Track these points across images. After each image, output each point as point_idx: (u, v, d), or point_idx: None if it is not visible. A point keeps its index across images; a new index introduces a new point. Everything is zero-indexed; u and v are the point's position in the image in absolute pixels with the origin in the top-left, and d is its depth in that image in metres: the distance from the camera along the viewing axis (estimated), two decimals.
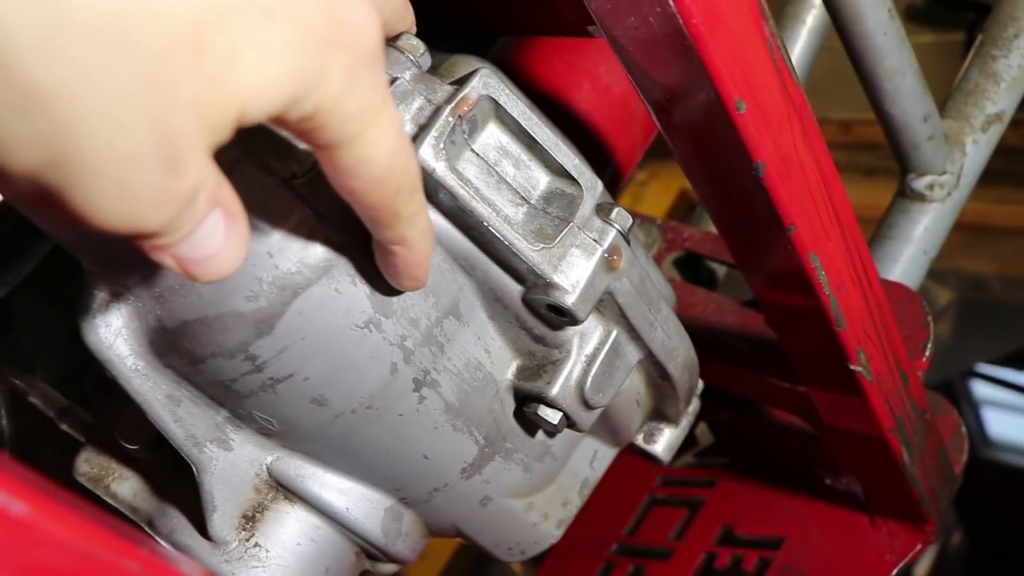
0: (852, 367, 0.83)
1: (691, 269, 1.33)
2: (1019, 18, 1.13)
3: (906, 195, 1.14)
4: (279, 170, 0.60)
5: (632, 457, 0.92)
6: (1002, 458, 4.86)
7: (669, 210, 3.46)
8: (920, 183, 1.13)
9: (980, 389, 4.72)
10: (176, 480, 0.79)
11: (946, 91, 1.20)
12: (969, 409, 4.85)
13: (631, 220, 0.70)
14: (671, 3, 0.57)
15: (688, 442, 1.39)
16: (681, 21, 0.58)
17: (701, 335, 1.14)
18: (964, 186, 1.14)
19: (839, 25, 1.00)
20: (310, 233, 0.61)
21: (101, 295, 0.65)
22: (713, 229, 1.29)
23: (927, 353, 1.02)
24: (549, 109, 0.91)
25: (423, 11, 0.74)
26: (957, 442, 1.12)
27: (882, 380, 0.87)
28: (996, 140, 1.15)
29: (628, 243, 0.70)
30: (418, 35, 0.69)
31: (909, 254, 1.14)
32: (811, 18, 1.34)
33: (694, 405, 0.89)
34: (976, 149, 1.14)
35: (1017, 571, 4.51)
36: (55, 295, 1.28)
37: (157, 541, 0.78)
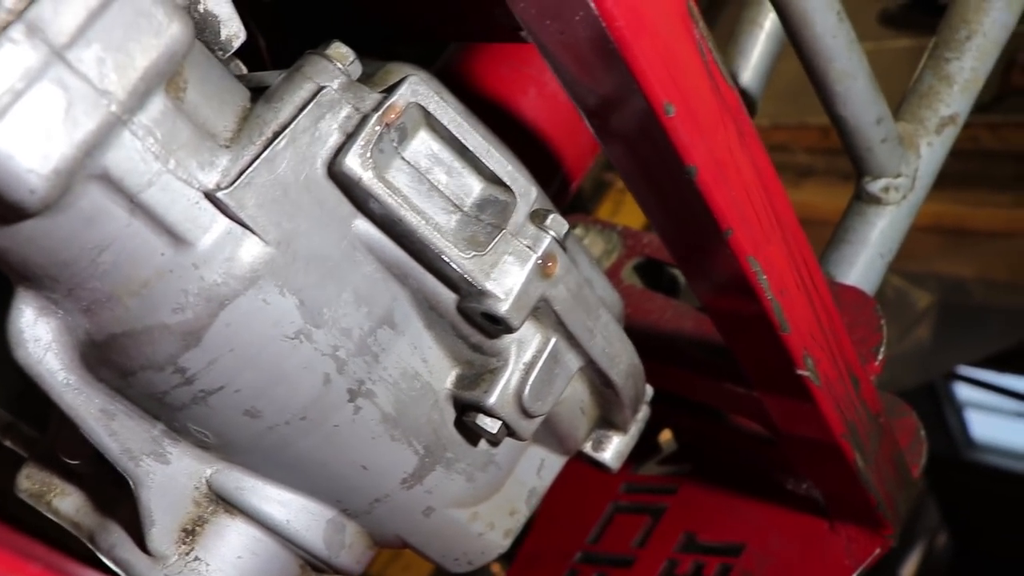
0: (799, 372, 0.83)
1: (652, 275, 1.33)
2: (971, 20, 1.13)
3: (861, 198, 1.14)
4: (203, 181, 0.59)
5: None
6: (986, 460, 4.88)
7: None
8: (875, 186, 1.12)
9: (963, 391, 4.74)
10: (118, 495, 0.78)
11: None
12: (952, 411, 4.86)
13: (567, 226, 0.69)
14: (593, 6, 0.57)
15: (652, 449, 1.39)
16: (604, 25, 0.58)
17: (659, 341, 1.14)
18: (919, 188, 1.14)
19: (789, 29, 1.00)
20: (235, 245, 0.60)
21: (29, 310, 0.64)
22: None
23: (880, 357, 1.01)
24: (495, 116, 0.90)
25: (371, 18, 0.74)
26: (915, 446, 1.12)
27: (831, 385, 0.87)
28: (951, 142, 1.15)
29: (564, 249, 0.69)
30: (381, 42, 0.69)
31: (866, 257, 1.13)
32: (768, 22, 1.33)
33: (643, 412, 0.88)
34: (931, 151, 1.14)
35: (1001, 572, 4.52)
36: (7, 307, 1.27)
37: (99, 557, 0.77)
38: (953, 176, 3.06)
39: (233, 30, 0.73)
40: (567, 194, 1.05)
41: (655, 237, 1.28)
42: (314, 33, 0.96)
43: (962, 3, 1.15)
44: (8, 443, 0.87)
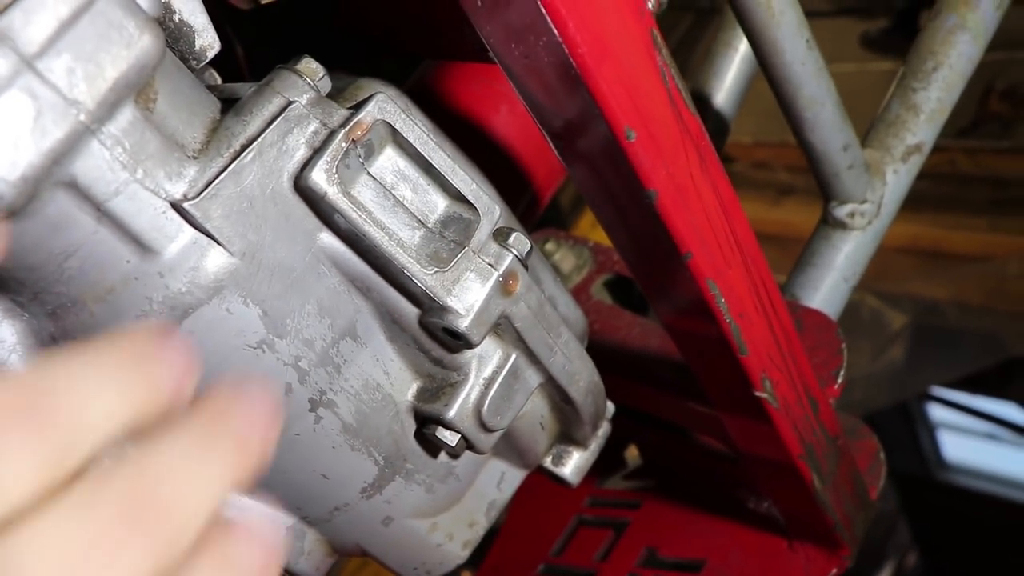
0: (757, 394, 0.85)
1: (622, 291, 1.34)
2: (938, 52, 1.15)
3: (828, 223, 1.16)
4: (170, 191, 0.60)
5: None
6: (957, 480, 4.91)
7: None
8: (841, 211, 1.14)
9: (936, 412, 4.77)
10: None
11: None
12: (925, 432, 4.89)
13: (530, 245, 0.71)
14: (556, 33, 0.58)
15: (617, 464, 1.40)
16: (567, 51, 0.59)
17: (626, 358, 1.15)
18: (885, 215, 1.16)
19: (759, 55, 1.02)
20: (200, 254, 0.61)
21: None
22: None
23: (839, 380, 1.03)
24: (466, 132, 0.92)
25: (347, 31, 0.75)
26: (874, 468, 1.14)
27: (789, 407, 0.88)
28: (916, 170, 1.17)
29: (526, 268, 0.71)
30: (362, 54, 0.70)
31: (830, 281, 1.15)
32: (744, 45, 1.36)
33: (604, 428, 0.89)
34: (896, 179, 1.16)
35: None
36: None
37: None
38: (930, 199, 3.10)
39: (207, 40, 0.74)
40: (537, 210, 1.06)
41: None
42: (292, 43, 0.97)
43: (930, 35, 1.17)
44: None
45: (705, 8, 3.65)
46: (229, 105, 0.68)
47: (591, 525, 1.35)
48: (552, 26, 0.58)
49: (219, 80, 0.82)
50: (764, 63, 1.02)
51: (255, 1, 1.09)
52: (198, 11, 0.73)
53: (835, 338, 1.05)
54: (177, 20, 0.73)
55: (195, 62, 0.74)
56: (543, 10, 0.57)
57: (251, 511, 0.75)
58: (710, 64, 1.38)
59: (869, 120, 1.21)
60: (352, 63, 0.95)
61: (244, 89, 0.70)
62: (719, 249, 0.75)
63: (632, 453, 1.43)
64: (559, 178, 1.07)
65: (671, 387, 1.11)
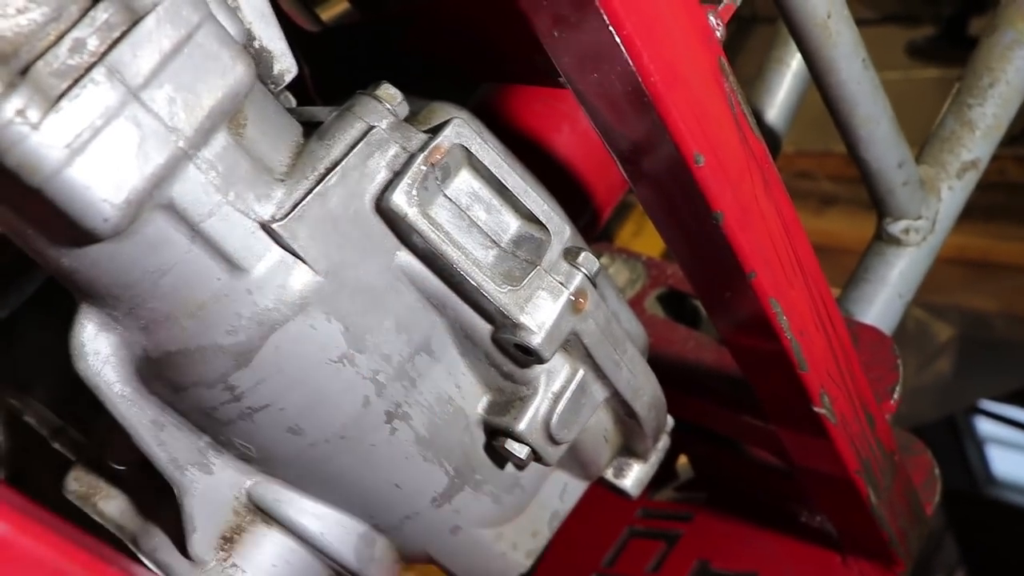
0: (815, 409, 0.86)
1: (675, 306, 1.36)
2: (994, 68, 1.16)
3: (882, 239, 1.18)
4: (259, 213, 0.63)
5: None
6: (1006, 497, 4.84)
7: (666, 249, 3.48)
8: (896, 227, 1.16)
9: (984, 426, 4.71)
10: (160, 501, 0.82)
11: None
12: (973, 446, 4.83)
13: (598, 264, 0.73)
14: (630, 62, 0.61)
15: (669, 476, 1.42)
16: (640, 79, 0.62)
17: (680, 372, 1.17)
18: (940, 231, 1.17)
19: (815, 73, 1.04)
20: (287, 272, 0.64)
21: (91, 324, 0.68)
22: None
23: (896, 396, 1.04)
24: (529, 151, 0.94)
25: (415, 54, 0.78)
26: (929, 484, 1.15)
27: (847, 422, 0.90)
28: (971, 186, 1.18)
29: (595, 286, 0.73)
30: (412, 74, 0.73)
31: (884, 297, 1.17)
32: (795, 62, 1.37)
33: (664, 441, 0.92)
34: (951, 195, 1.17)
35: None
36: (55, 317, 1.32)
37: (140, 559, 0.81)
38: (979, 208, 3.07)
39: (286, 65, 0.78)
40: (597, 226, 1.09)
41: (679, 268, 1.32)
42: (358, 65, 1.00)
43: (986, 50, 1.18)
44: (57, 446, 0.91)
45: (746, 17, 3.65)
46: (308, 128, 0.71)
47: (643, 536, 1.37)
48: (627, 56, 0.60)
49: (294, 102, 0.85)
50: (820, 82, 1.04)
51: (322, 23, 1.13)
52: (277, 37, 0.76)
53: (890, 354, 1.06)
54: (257, 46, 0.76)
55: (273, 86, 0.77)
56: (619, 41, 0.59)
57: (326, 518, 0.79)
58: (762, 81, 1.39)
59: (915, 128, 1.21)
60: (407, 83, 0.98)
61: (322, 113, 0.73)
62: (781, 268, 0.77)
63: (682, 463, 1.44)
64: (618, 196, 1.09)
65: (725, 401, 1.13)
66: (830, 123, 1.48)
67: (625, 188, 1.10)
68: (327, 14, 1.26)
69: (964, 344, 3.44)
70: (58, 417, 0.94)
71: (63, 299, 1.22)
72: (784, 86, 1.36)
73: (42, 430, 0.93)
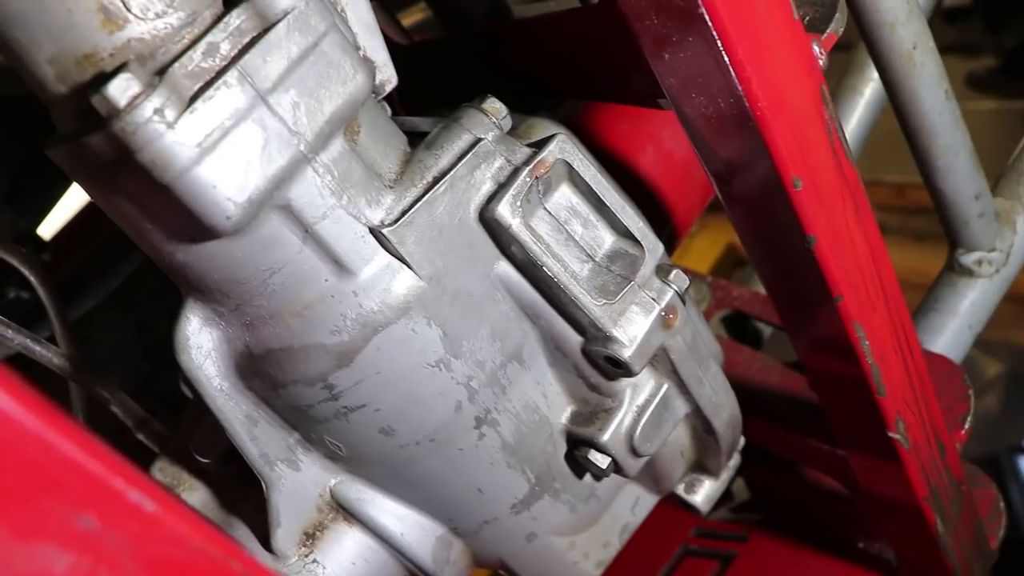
0: (890, 434, 0.87)
1: (738, 327, 1.37)
2: None
3: (954, 269, 1.18)
4: (369, 217, 0.65)
5: (668, 506, 0.96)
6: None
7: (715, 263, 3.49)
8: (968, 259, 1.16)
9: None
10: (243, 494, 0.84)
11: (1007, 157, 1.22)
12: (1017, 487, 4.76)
13: (688, 282, 0.74)
14: (739, 87, 0.62)
15: (724, 496, 1.42)
16: (747, 104, 0.63)
17: (744, 392, 1.18)
18: (1013, 264, 1.18)
19: (896, 103, 1.04)
20: (392, 277, 0.66)
21: (196, 319, 0.70)
22: (761, 290, 1.34)
23: (966, 426, 1.05)
24: (613, 169, 0.96)
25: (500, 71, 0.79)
26: (994, 516, 1.15)
27: (919, 449, 0.91)
28: None
29: (684, 303, 0.74)
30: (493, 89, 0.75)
31: (954, 327, 1.17)
32: (869, 90, 1.38)
33: (735, 460, 0.93)
34: None
35: None
36: (130, 313, 1.35)
37: None
38: None
39: (387, 75, 0.79)
40: (674, 247, 1.10)
41: (744, 290, 1.33)
42: (447, 79, 1.03)
43: None
44: (141, 437, 0.94)
45: None
46: (412, 137, 0.73)
47: (697, 555, 1.38)
48: (736, 81, 0.62)
49: (389, 112, 0.87)
50: (900, 111, 1.05)
51: (410, 37, 1.16)
52: (380, 48, 0.78)
53: (962, 384, 1.06)
54: (362, 56, 0.78)
55: (375, 95, 0.80)
56: (730, 66, 0.61)
57: (406, 519, 0.81)
58: (835, 108, 1.40)
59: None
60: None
61: (424, 123, 0.75)
62: (867, 293, 0.78)
63: (737, 486, 1.45)
64: (695, 217, 1.11)
65: (790, 423, 1.14)
66: (881, 152, 1.48)
67: (702, 210, 1.11)
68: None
69: (1012, 381, 3.40)
70: (144, 409, 0.96)
71: (140, 296, 1.26)
72: (856, 114, 1.36)
73: (127, 420, 0.95)
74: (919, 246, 3.21)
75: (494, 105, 0.72)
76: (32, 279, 1.01)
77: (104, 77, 0.57)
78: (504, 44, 0.90)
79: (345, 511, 0.80)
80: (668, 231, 1.06)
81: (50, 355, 0.95)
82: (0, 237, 0.99)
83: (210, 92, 0.57)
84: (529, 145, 0.71)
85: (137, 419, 0.95)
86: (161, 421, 1.01)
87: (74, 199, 1.48)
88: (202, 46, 0.58)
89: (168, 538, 0.41)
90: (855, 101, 1.38)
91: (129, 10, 0.58)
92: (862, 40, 0.98)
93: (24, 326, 0.89)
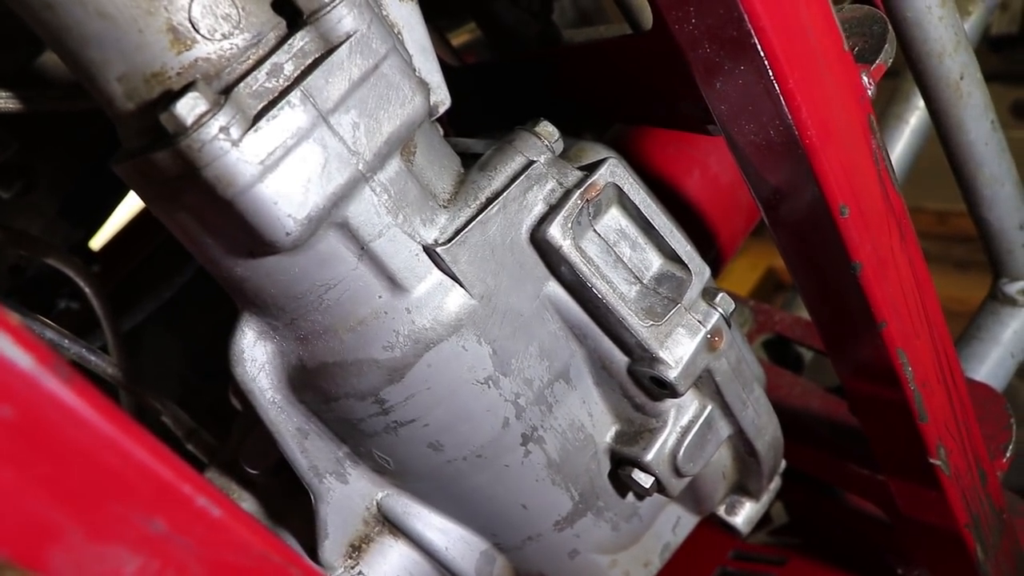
0: (931, 460, 0.87)
1: (779, 351, 1.37)
2: None
3: (997, 298, 1.18)
4: (424, 236, 0.67)
5: (706, 528, 0.96)
6: None
7: (755, 287, 3.48)
8: (1012, 288, 1.16)
9: None
10: (290, 506, 0.86)
11: None
12: None
13: (733, 305, 0.75)
14: (789, 116, 0.63)
15: (762, 520, 1.42)
16: (797, 133, 0.64)
17: (785, 416, 1.18)
18: None
19: (942, 133, 1.05)
20: (444, 295, 0.68)
21: (251, 332, 0.72)
22: (803, 314, 1.34)
23: (1008, 454, 1.05)
24: (660, 192, 0.97)
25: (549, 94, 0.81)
26: None
27: (960, 476, 0.91)
28: None
29: (729, 326, 0.75)
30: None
31: (996, 356, 1.17)
32: (914, 119, 1.39)
33: (775, 483, 0.93)
34: None
35: None
36: (177, 325, 1.37)
37: None
38: None
39: (440, 97, 0.81)
40: (719, 271, 1.11)
41: (786, 315, 1.33)
42: (496, 100, 1.04)
43: None
44: (191, 447, 0.96)
45: None
46: (464, 159, 0.75)
47: None
48: (787, 110, 0.63)
49: (442, 132, 0.89)
50: (946, 140, 1.05)
51: (461, 58, 1.17)
52: (435, 70, 0.80)
53: (1003, 412, 1.06)
54: (417, 77, 0.80)
55: (429, 116, 0.81)
56: (781, 97, 0.62)
57: (451, 533, 0.82)
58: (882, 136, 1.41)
59: None
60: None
61: (476, 145, 0.77)
62: (910, 320, 0.78)
63: (776, 509, 1.45)
64: (741, 241, 1.12)
65: (831, 448, 1.14)
66: (923, 179, 1.48)
67: (746, 235, 1.12)
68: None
69: None
70: (193, 420, 0.98)
71: (186, 308, 1.28)
72: (901, 142, 1.37)
73: (178, 431, 0.97)
74: (960, 274, 3.18)
75: (547, 128, 0.73)
76: (87, 291, 1.04)
77: (171, 95, 0.59)
78: (555, 68, 0.92)
79: (391, 524, 0.81)
80: (713, 254, 1.07)
81: (104, 365, 0.97)
82: (56, 249, 1.01)
83: (274, 112, 0.58)
84: (580, 168, 0.72)
85: (187, 429, 0.97)
86: (208, 432, 1.03)
87: (120, 212, 1.51)
88: (267, 66, 0.60)
89: (232, 543, 0.43)
90: (900, 129, 1.39)
91: (197, 31, 0.60)
92: (909, 69, 0.99)
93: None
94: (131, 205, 1.46)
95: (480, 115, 0.98)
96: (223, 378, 0.93)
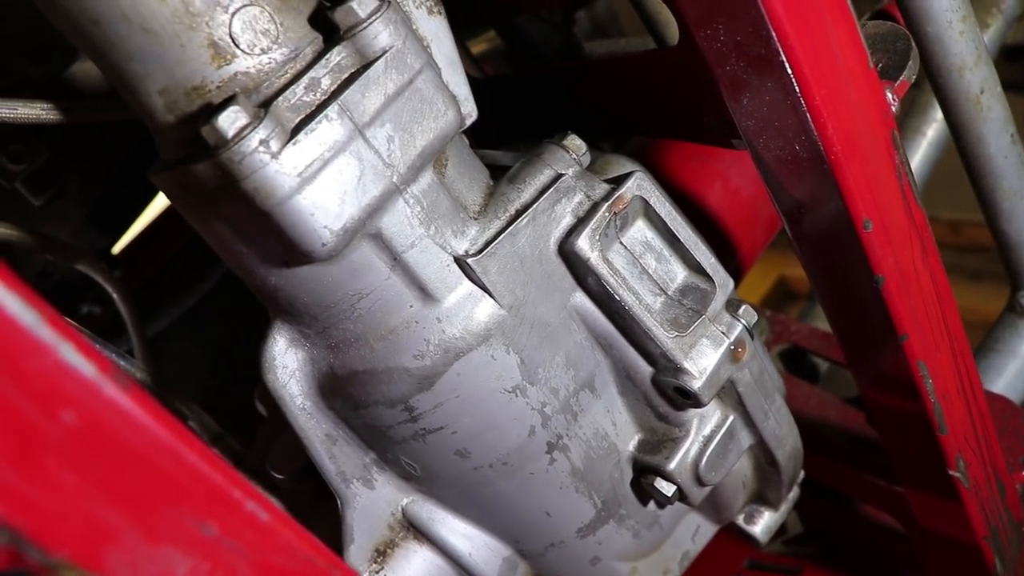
0: (951, 472, 0.88)
1: (794, 361, 1.38)
2: None
3: (1015, 311, 1.19)
4: (455, 247, 0.68)
5: (721, 537, 0.97)
6: None
7: (766, 296, 3.49)
8: None
9: None
10: (315, 511, 0.87)
11: None
12: None
13: (756, 317, 0.76)
14: (815, 132, 0.64)
15: (777, 529, 1.43)
16: (823, 148, 0.65)
17: (801, 426, 1.19)
18: None
19: (961, 146, 1.06)
20: (474, 305, 0.69)
21: (282, 340, 0.73)
22: (820, 325, 1.35)
23: None
24: (682, 204, 0.98)
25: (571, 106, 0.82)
26: None
27: (979, 488, 0.92)
28: None
29: (752, 338, 0.77)
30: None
31: (1014, 369, 1.18)
32: (932, 131, 1.40)
33: (794, 492, 0.94)
34: None
35: None
36: (198, 331, 1.39)
37: None
38: None
39: (468, 109, 0.82)
40: (739, 282, 1.12)
41: (803, 326, 1.34)
42: (517, 112, 1.05)
43: None
44: (217, 451, 0.97)
45: None
46: (492, 171, 0.76)
47: None
48: (813, 127, 0.64)
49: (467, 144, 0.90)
50: (966, 154, 1.06)
51: (483, 69, 1.19)
52: (463, 83, 0.81)
53: (1022, 425, 1.07)
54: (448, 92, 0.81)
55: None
56: (807, 113, 0.63)
57: (475, 539, 0.83)
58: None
59: None
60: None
61: (503, 157, 0.78)
62: (931, 332, 0.80)
63: (791, 519, 1.45)
64: (760, 252, 1.13)
65: (848, 458, 1.15)
66: (936, 188, 1.49)
67: (767, 245, 1.13)
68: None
69: None
70: (219, 426, 1.00)
71: (207, 315, 1.30)
72: (919, 154, 1.38)
73: (204, 436, 0.99)
74: (974, 285, 3.18)
75: (575, 142, 0.75)
76: (115, 296, 1.05)
77: (211, 108, 0.60)
78: (578, 80, 0.93)
79: (416, 530, 0.83)
80: (733, 266, 1.08)
81: (133, 370, 0.98)
82: (86, 255, 1.03)
83: (312, 125, 0.60)
84: (607, 181, 0.74)
85: (213, 434, 0.99)
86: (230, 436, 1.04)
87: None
88: (305, 80, 0.61)
89: (279, 547, 0.44)
90: (918, 141, 1.40)
91: (238, 46, 0.61)
92: (928, 82, 1.00)
93: None
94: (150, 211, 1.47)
95: (502, 127, 0.99)
96: (244, 382, 0.95)
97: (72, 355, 0.37)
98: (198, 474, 0.41)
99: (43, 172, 1.10)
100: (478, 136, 1.09)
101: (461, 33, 1.20)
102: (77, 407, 0.37)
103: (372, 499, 0.80)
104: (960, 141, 1.05)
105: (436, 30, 0.79)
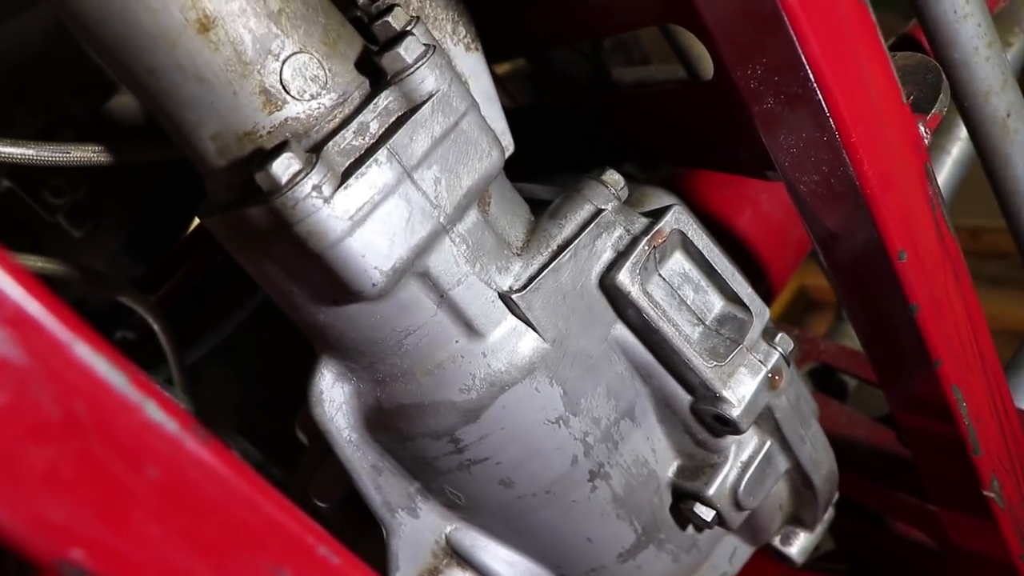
0: (985, 493, 0.89)
1: (823, 379, 1.39)
2: None
3: None
4: (499, 283, 0.70)
5: (754, 554, 0.98)
6: None
7: (787, 306, 3.49)
8: None
9: None
10: (358, 539, 0.88)
11: None
12: None
13: (792, 345, 0.78)
14: (851, 168, 0.66)
15: None
16: (858, 183, 0.67)
17: (832, 445, 1.20)
18: None
19: (988, 167, 1.07)
20: (518, 339, 0.71)
21: (330, 374, 0.75)
22: (848, 343, 1.36)
23: None
24: (713, 230, 1.00)
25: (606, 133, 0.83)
26: None
27: (1013, 507, 0.93)
28: None
29: (789, 365, 0.78)
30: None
31: None
32: (956, 150, 1.40)
33: (829, 513, 0.95)
34: None
35: None
36: (234, 357, 1.41)
37: None
38: None
39: (505, 143, 0.84)
40: (769, 305, 1.13)
41: (832, 344, 1.35)
42: (552, 140, 1.07)
43: None
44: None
45: None
46: (531, 205, 0.78)
47: None
48: (849, 163, 0.65)
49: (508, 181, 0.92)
50: (993, 175, 1.07)
51: (513, 98, 1.20)
52: (499, 117, 0.83)
53: None
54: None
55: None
56: (843, 149, 0.65)
57: (517, 565, 0.84)
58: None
59: None
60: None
61: (543, 191, 0.80)
62: (964, 357, 0.81)
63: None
64: (790, 276, 1.14)
65: (879, 477, 1.16)
66: (957, 196, 1.49)
67: (795, 270, 1.15)
68: None
69: None
70: (260, 454, 1.02)
71: (243, 342, 1.32)
72: (944, 172, 1.38)
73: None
74: (995, 290, 3.18)
75: (613, 177, 0.76)
76: (155, 327, 1.07)
77: (263, 154, 0.62)
78: (612, 111, 0.95)
79: (459, 557, 0.84)
80: (764, 289, 1.10)
81: (174, 399, 1.00)
82: (127, 287, 1.05)
83: (362, 169, 0.62)
84: (645, 214, 0.75)
85: (255, 463, 1.00)
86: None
87: None
88: (354, 125, 0.63)
89: None
90: (942, 160, 1.40)
91: (288, 92, 0.63)
92: (954, 105, 1.01)
93: None
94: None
95: (535, 154, 1.01)
96: (280, 407, 0.97)
97: (157, 413, 0.38)
98: (274, 521, 0.43)
99: (83, 205, 1.13)
100: (510, 164, 1.11)
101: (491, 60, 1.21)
102: (161, 462, 0.39)
103: (416, 528, 0.82)
104: (987, 163, 1.06)
105: (473, 66, 0.81)
